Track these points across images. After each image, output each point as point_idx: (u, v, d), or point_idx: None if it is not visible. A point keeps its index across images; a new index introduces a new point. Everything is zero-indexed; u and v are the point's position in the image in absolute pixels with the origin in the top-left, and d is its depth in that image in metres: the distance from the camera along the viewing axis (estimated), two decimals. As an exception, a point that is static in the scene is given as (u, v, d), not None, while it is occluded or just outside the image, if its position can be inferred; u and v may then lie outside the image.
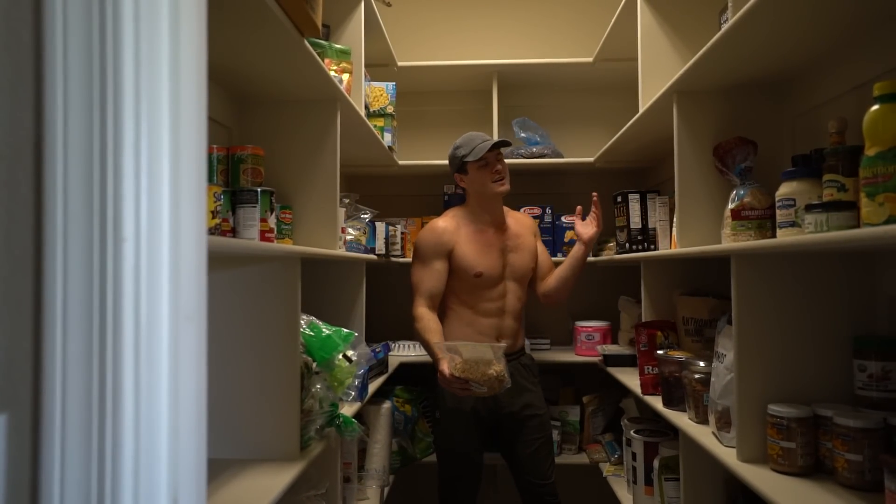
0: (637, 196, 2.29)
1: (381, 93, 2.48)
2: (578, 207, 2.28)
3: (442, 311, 2.20)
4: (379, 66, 2.75)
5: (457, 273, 2.14)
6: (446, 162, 2.86)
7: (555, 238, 2.79)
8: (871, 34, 1.36)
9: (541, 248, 2.34)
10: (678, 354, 1.81)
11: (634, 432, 2.14)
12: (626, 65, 2.64)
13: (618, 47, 2.60)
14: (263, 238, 1.44)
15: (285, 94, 1.78)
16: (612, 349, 2.58)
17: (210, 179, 1.43)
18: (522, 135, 2.88)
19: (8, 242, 0.58)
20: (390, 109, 2.50)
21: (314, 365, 1.51)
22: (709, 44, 1.46)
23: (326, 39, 2.02)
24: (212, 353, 0.71)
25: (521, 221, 2.31)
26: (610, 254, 2.61)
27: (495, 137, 2.79)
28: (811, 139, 1.60)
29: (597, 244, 2.84)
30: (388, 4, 2.52)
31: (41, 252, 0.61)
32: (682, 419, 1.69)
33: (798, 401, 1.36)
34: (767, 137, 1.71)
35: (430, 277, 2.11)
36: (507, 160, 2.30)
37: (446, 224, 2.17)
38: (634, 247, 2.29)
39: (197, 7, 0.66)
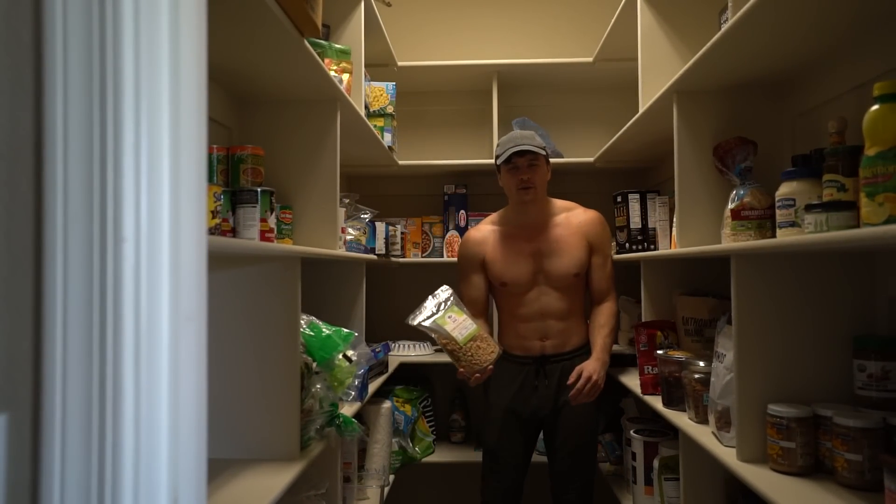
0: (637, 196, 2.29)
1: (381, 93, 2.48)
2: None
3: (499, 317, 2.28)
4: (379, 66, 2.75)
5: (491, 281, 2.18)
6: (446, 162, 2.90)
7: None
8: (871, 34, 1.36)
9: (596, 261, 2.14)
10: (678, 354, 1.81)
11: (634, 432, 2.14)
12: (626, 65, 2.64)
13: (618, 47, 2.60)
14: (263, 238, 1.44)
15: (285, 94, 1.78)
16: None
17: (210, 179, 1.43)
18: (522, 135, 2.88)
19: (8, 242, 0.58)
20: (390, 109, 2.50)
21: (314, 365, 1.51)
22: (709, 44, 1.46)
23: (326, 39, 2.02)
24: (212, 353, 0.71)
25: (570, 222, 2.15)
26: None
27: (495, 138, 2.79)
28: (811, 139, 1.60)
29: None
30: (388, 4, 2.52)
31: (41, 252, 0.61)
32: (681, 419, 1.69)
33: (798, 401, 1.36)
34: (767, 137, 1.71)
35: (469, 289, 2.18)
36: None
37: (477, 234, 2.21)
38: (634, 247, 2.29)
39: (197, 7, 0.66)
